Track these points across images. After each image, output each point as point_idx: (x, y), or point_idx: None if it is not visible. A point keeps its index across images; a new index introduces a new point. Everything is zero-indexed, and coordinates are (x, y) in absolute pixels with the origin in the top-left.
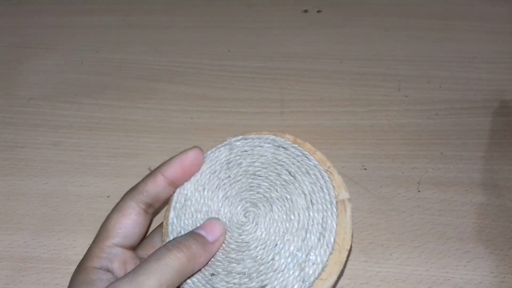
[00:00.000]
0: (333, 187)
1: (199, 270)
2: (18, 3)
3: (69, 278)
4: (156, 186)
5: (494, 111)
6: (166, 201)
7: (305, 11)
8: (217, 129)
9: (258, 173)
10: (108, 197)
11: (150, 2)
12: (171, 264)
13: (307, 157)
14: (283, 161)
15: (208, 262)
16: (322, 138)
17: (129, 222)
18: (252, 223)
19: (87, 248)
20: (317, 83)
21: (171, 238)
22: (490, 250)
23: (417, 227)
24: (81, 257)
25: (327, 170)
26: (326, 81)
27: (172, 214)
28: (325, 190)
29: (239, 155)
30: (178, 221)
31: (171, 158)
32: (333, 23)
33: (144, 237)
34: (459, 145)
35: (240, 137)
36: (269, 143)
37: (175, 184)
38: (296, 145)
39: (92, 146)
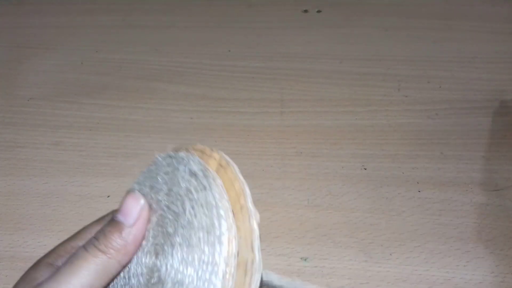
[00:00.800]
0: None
1: (131, 260)
2: (19, 4)
3: None
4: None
5: (494, 111)
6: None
7: (305, 11)
8: (217, 129)
9: (171, 206)
10: (108, 197)
11: (150, 2)
12: (89, 266)
13: (211, 190)
14: (192, 195)
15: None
16: (322, 138)
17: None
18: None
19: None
20: (317, 83)
21: None
22: (490, 250)
23: (417, 227)
24: None
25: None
26: (326, 81)
27: None
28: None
29: (162, 178)
30: None
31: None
32: (333, 23)
33: None
34: (459, 145)
35: (165, 154)
36: (187, 168)
37: None
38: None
39: (92, 146)
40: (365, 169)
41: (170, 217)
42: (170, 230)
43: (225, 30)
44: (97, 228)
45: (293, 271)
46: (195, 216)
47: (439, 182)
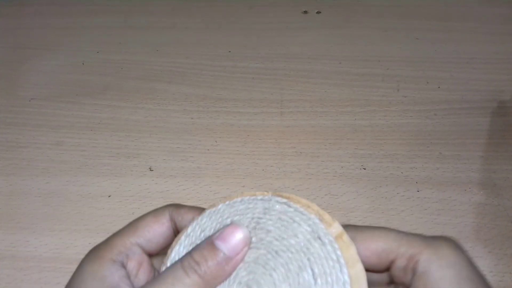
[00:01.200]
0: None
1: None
2: (20, 5)
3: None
4: (189, 221)
5: (493, 111)
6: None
7: (305, 12)
8: (217, 129)
9: (281, 253)
10: (109, 196)
11: (151, 4)
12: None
13: (341, 268)
14: (313, 257)
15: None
16: (322, 138)
17: (159, 230)
18: None
19: (106, 238)
20: (316, 84)
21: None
22: (488, 249)
23: (416, 226)
24: (82, 256)
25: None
26: (325, 82)
27: (183, 238)
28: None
29: (272, 220)
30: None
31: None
32: (333, 24)
33: (161, 252)
34: (457, 145)
35: (285, 200)
36: (309, 227)
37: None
38: (337, 246)
39: (94, 146)
40: (364, 169)
41: (279, 260)
42: (274, 274)
43: (226, 31)
44: (153, 224)
45: None
46: (314, 277)
47: (437, 182)
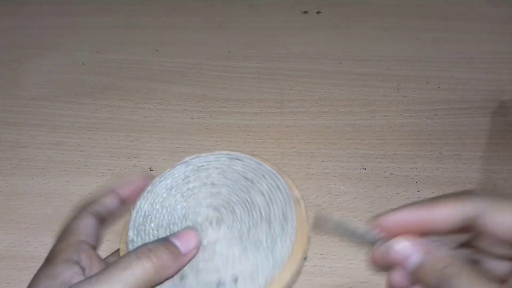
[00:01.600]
0: (288, 186)
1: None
2: (20, 5)
3: None
4: (111, 202)
5: (493, 111)
6: (114, 219)
7: (305, 12)
8: (217, 129)
9: (216, 182)
10: None
11: (151, 3)
12: (137, 274)
13: (260, 164)
14: (239, 170)
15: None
16: (322, 138)
17: (89, 223)
18: (216, 225)
19: (50, 250)
20: (316, 83)
21: None
22: None
23: None
24: None
25: (280, 172)
26: (325, 81)
27: (131, 232)
28: (281, 188)
29: (196, 170)
30: (138, 239)
31: (126, 180)
32: (333, 23)
33: (99, 243)
34: (458, 145)
35: (194, 155)
36: (223, 157)
37: (126, 203)
38: (250, 156)
39: (93, 146)
40: (364, 169)
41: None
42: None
43: (226, 31)
44: (80, 225)
45: None
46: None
47: (438, 182)
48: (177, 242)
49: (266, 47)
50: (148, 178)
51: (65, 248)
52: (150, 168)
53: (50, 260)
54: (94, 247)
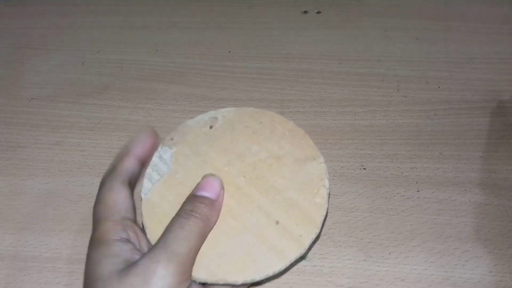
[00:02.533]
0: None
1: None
2: (20, 5)
3: (70, 278)
4: (132, 164)
5: (493, 111)
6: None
7: (305, 12)
8: None
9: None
10: None
11: (151, 3)
12: (194, 230)
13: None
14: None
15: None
16: (322, 138)
17: (126, 196)
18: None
19: (92, 229)
20: (316, 84)
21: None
22: (488, 249)
23: (416, 226)
24: (82, 256)
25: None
26: (325, 82)
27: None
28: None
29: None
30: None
31: (133, 139)
32: (333, 24)
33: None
34: (457, 145)
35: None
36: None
37: (144, 162)
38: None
39: (93, 146)
40: (364, 169)
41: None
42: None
43: (225, 31)
44: (117, 195)
45: (293, 270)
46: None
47: (437, 182)
48: (205, 193)
49: (266, 47)
50: (154, 131)
51: (113, 228)
52: None
53: (101, 240)
54: (134, 219)
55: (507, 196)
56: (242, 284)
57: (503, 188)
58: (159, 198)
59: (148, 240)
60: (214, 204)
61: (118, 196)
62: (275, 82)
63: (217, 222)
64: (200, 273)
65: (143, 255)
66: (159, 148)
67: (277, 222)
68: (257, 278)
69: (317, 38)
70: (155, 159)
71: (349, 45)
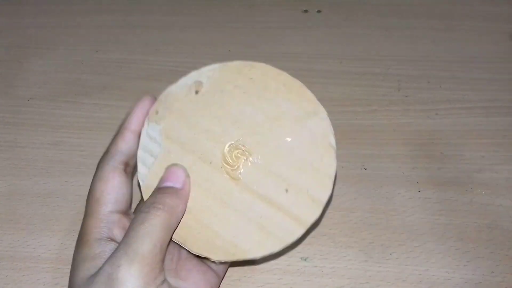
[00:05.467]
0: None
1: (182, 217)
2: (19, 4)
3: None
4: (127, 142)
5: (494, 111)
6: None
7: (305, 11)
8: None
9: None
10: None
11: (150, 2)
12: (156, 223)
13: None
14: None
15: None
16: None
17: (116, 185)
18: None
19: (81, 225)
20: (317, 83)
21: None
22: (490, 250)
23: (417, 226)
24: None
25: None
26: (326, 81)
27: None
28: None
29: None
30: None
31: (130, 111)
32: (333, 23)
33: (131, 199)
34: (459, 145)
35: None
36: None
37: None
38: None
39: (93, 146)
40: (365, 169)
41: None
42: None
43: (225, 30)
44: (106, 185)
45: (293, 271)
46: None
47: (439, 182)
48: (169, 184)
49: (266, 46)
50: (153, 99)
51: (96, 225)
52: None
53: (84, 239)
54: (127, 209)
55: (509, 197)
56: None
57: (505, 188)
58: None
59: None
60: (179, 193)
61: (107, 185)
62: None
63: (225, 197)
64: (218, 255)
65: (107, 259)
66: (145, 125)
67: (286, 190)
68: (277, 249)
69: (317, 37)
70: (143, 138)
71: (350, 44)
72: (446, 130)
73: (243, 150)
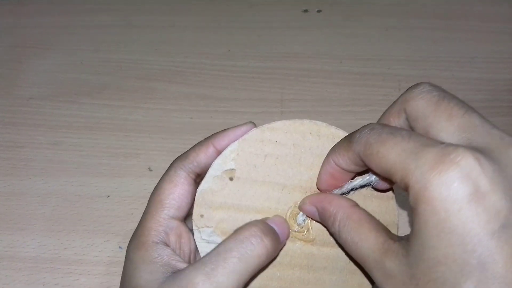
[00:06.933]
0: None
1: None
2: (18, 3)
3: (69, 278)
4: (207, 157)
5: (494, 111)
6: None
7: (305, 11)
8: (217, 129)
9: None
10: (108, 197)
11: (150, 2)
12: (252, 262)
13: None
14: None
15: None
16: None
17: (182, 192)
18: None
19: (139, 220)
20: (317, 83)
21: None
22: None
23: None
24: (81, 257)
25: None
26: (326, 81)
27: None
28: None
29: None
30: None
31: (224, 130)
32: (333, 23)
33: (189, 210)
34: None
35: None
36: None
37: None
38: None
39: (92, 146)
40: None
41: None
42: None
43: (225, 30)
44: (173, 189)
45: None
46: None
47: None
48: (276, 228)
49: (266, 46)
50: (250, 126)
51: (155, 228)
52: (149, 168)
53: (142, 240)
54: (184, 217)
55: None
56: None
57: None
58: None
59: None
60: (279, 246)
61: (176, 189)
62: (275, 82)
63: (310, 261)
64: None
65: (187, 270)
66: (197, 234)
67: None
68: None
69: (317, 37)
70: (201, 246)
71: (350, 44)
72: None
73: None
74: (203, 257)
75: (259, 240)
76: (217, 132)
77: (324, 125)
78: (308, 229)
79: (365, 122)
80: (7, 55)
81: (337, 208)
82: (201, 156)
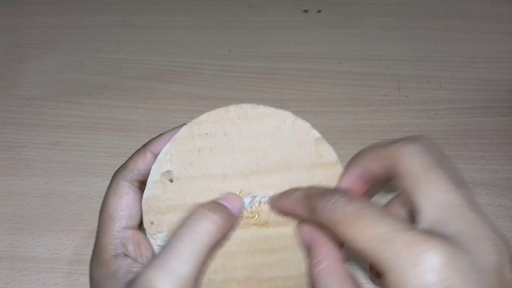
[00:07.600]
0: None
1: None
2: (19, 3)
3: (69, 278)
4: (146, 164)
5: (494, 111)
6: None
7: (305, 11)
8: None
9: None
10: None
11: (150, 2)
12: (204, 240)
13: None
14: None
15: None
16: None
17: (130, 201)
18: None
19: (95, 240)
20: (317, 83)
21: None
22: None
23: None
24: (81, 257)
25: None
26: (326, 81)
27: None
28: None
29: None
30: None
31: (160, 135)
32: (333, 23)
33: (141, 217)
34: (459, 145)
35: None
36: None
37: None
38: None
39: (92, 146)
40: None
41: None
42: None
43: (225, 30)
44: (119, 200)
45: None
46: None
47: None
48: (227, 204)
49: (266, 46)
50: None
51: (110, 242)
52: None
53: (100, 258)
54: (138, 225)
55: (508, 197)
56: None
57: (505, 188)
58: None
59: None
60: (232, 219)
61: (122, 201)
62: (275, 82)
63: (269, 245)
64: None
65: (144, 271)
66: (152, 242)
67: None
68: None
69: (317, 37)
70: (156, 249)
71: (350, 44)
72: (446, 130)
73: (248, 195)
74: (157, 253)
75: (206, 217)
76: (153, 138)
77: (250, 106)
78: (258, 213)
79: (365, 123)
80: (7, 55)
81: (327, 255)
82: (140, 164)
